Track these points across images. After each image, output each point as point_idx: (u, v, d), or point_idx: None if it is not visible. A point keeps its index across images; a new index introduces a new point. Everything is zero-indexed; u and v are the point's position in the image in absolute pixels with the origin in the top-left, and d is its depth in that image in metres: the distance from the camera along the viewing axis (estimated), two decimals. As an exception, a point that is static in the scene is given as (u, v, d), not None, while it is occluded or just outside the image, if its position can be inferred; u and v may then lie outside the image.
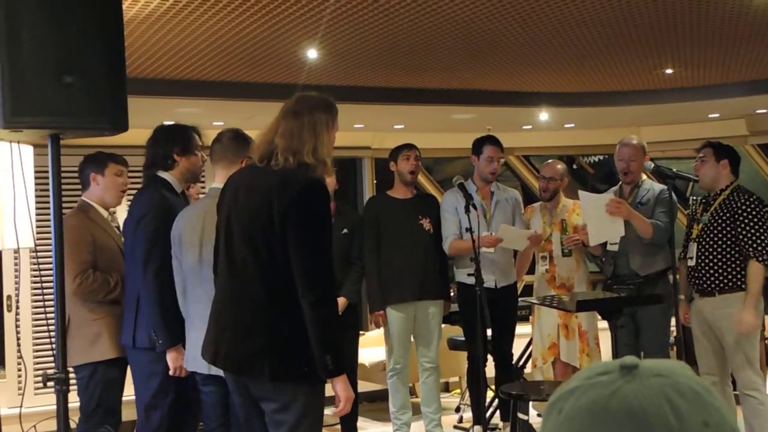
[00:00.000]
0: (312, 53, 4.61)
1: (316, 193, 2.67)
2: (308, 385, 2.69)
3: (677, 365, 0.80)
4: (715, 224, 4.21)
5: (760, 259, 4.08)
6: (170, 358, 3.46)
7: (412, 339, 5.10)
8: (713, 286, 4.20)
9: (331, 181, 5.00)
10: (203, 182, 5.80)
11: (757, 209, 4.13)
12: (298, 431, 2.68)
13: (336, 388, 2.68)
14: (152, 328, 3.46)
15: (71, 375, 3.58)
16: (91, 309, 3.74)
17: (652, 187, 4.69)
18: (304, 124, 2.70)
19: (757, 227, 4.11)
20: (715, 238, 4.20)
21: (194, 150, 3.70)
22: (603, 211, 4.44)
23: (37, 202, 3.54)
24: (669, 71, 5.48)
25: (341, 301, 4.85)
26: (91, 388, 3.71)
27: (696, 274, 4.26)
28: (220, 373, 3.14)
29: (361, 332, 5.73)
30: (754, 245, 4.10)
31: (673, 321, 4.58)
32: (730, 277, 4.16)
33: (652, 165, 4.41)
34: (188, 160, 3.67)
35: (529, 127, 7.18)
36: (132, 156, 4.10)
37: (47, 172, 2.57)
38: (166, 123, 3.77)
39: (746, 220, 4.12)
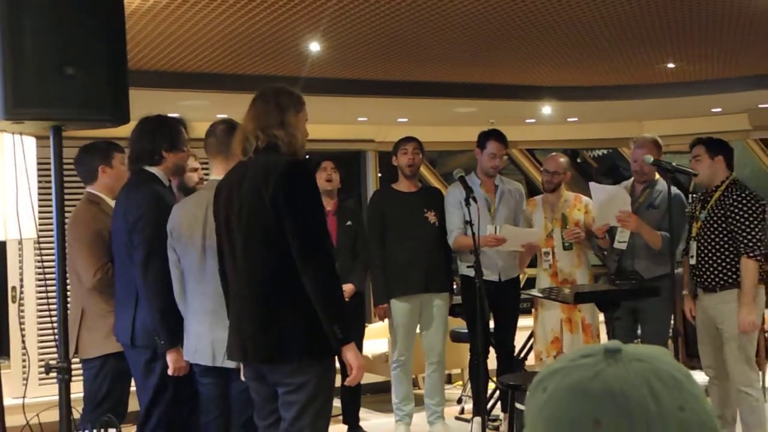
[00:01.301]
0: (315, 46, 4.63)
1: (298, 171, 2.79)
2: (322, 365, 2.78)
3: (659, 351, 0.82)
4: (712, 222, 4.22)
5: (751, 254, 4.08)
6: (171, 358, 3.44)
7: (417, 331, 5.12)
8: (714, 282, 4.21)
9: (335, 177, 5.06)
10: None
11: (749, 204, 4.13)
12: (307, 411, 2.76)
13: (347, 356, 2.77)
14: (154, 329, 3.45)
15: (77, 365, 3.62)
16: (107, 301, 3.73)
17: (665, 188, 4.68)
18: (270, 105, 2.87)
19: (748, 222, 4.11)
20: (713, 236, 4.21)
21: (182, 146, 3.65)
22: (612, 203, 4.48)
23: (39, 194, 3.55)
24: (671, 65, 5.48)
25: (349, 287, 4.90)
26: (100, 379, 3.72)
27: (697, 272, 4.27)
28: (226, 365, 3.18)
29: (365, 324, 5.75)
30: (745, 241, 4.10)
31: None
32: (729, 273, 4.17)
33: (651, 159, 4.43)
34: (176, 155, 3.63)
35: (533, 120, 7.19)
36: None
37: (49, 163, 2.60)
38: (151, 116, 3.65)
39: (738, 216, 4.13)
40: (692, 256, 4.29)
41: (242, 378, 3.01)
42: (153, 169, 3.60)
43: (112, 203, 3.88)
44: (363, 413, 5.58)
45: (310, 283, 2.71)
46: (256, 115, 2.87)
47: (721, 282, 4.18)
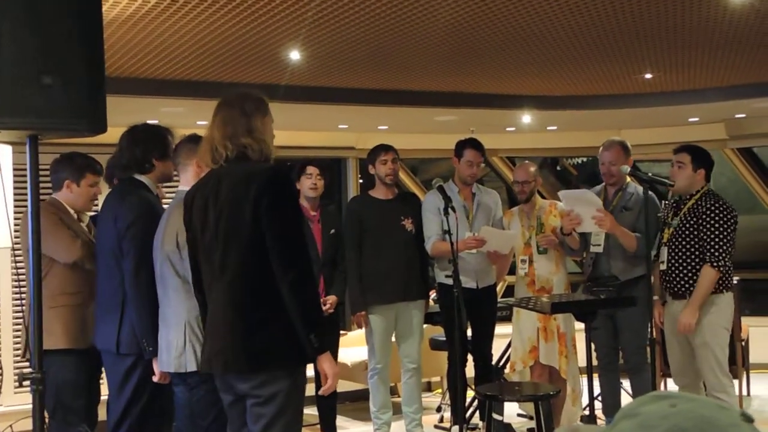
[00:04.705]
0: (295, 54, 4.64)
1: (279, 179, 2.78)
2: (291, 377, 2.76)
3: None
4: (684, 229, 4.27)
5: (714, 264, 4.14)
6: (157, 366, 3.43)
7: (393, 339, 5.13)
8: (684, 289, 4.26)
9: (319, 184, 5.04)
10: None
11: (721, 215, 4.18)
12: (275, 425, 2.74)
13: (323, 366, 2.77)
14: (142, 336, 3.43)
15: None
16: (51, 297, 3.65)
17: (636, 191, 4.74)
18: (235, 111, 2.83)
19: (718, 233, 4.16)
20: (684, 242, 4.26)
21: (170, 155, 3.67)
22: (584, 206, 4.52)
23: (15, 201, 3.53)
24: (648, 76, 5.54)
25: (332, 299, 4.91)
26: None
27: (667, 278, 4.33)
28: (170, 369, 3.24)
29: (342, 332, 5.75)
30: (712, 250, 4.16)
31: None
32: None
33: (628, 169, 4.47)
34: (164, 164, 3.67)
35: (513, 129, 7.23)
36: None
37: (25, 169, 2.59)
38: (141, 124, 3.72)
39: (708, 225, 4.18)
40: (663, 262, 4.34)
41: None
42: (142, 178, 3.63)
43: (73, 213, 3.91)
44: (341, 421, 5.58)
45: (288, 292, 2.69)
46: (221, 124, 2.82)
47: (691, 289, 4.23)
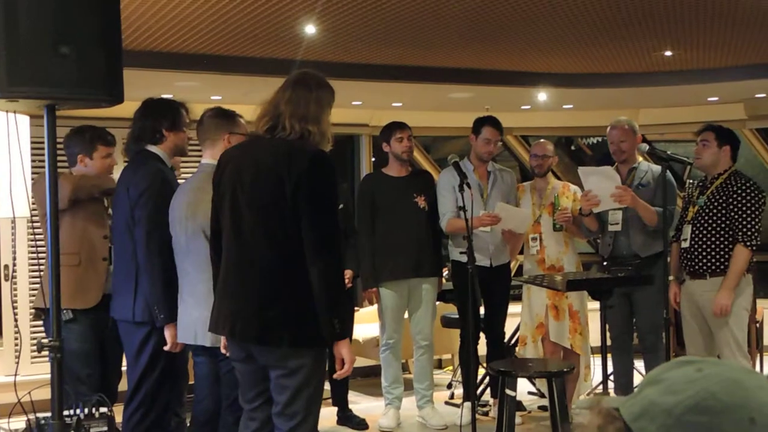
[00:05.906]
0: (310, 29, 4.61)
1: (323, 164, 2.76)
2: (316, 350, 2.78)
3: None
4: (711, 207, 4.25)
5: (748, 243, 4.12)
6: (169, 334, 3.47)
7: (405, 315, 5.14)
8: (705, 268, 4.24)
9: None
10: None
11: (752, 194, 4.16)
12: (300, 396, 2.76)
13: (341, 351, 2.78)
14: (154, 303, 3.46)
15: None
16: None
17: (650, 168, 4.71)
18: (312, 95, 2.83)
19: (749, 212, 4.14)
20: (710, 221, 4.24)
21: (182, 126, 3.71)
22: (604, 183, 4.49)
23: (33, 172, 3.55)
24: (668, 53, 5.48)
25: (349, 273, 4.92)
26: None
27: (689, 256, 4.30)
28: (206, 343, 3.21)
29: (355, 308, 5.77)
30: (744, 229, 4.13)
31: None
32: (722, 260, 4.20)
33: (647, 147, 4.44)
34: (176, 135, 3.68)
35: (528, 107, 7.18)
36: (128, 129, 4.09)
37: (43, 142, 2.59)
38: (154, 97, 3.75)
39: (739, 204, 4.16)
40: (685, 240, 4.32)
41: (224, 352, 3.02)
42: (154, 149, 3.65)
43: None
44: (353, 396, 5.60)
45: (318, 276, 2.70)
46: (294, 102, 2.80)
47: (713, 268, 4.21)
